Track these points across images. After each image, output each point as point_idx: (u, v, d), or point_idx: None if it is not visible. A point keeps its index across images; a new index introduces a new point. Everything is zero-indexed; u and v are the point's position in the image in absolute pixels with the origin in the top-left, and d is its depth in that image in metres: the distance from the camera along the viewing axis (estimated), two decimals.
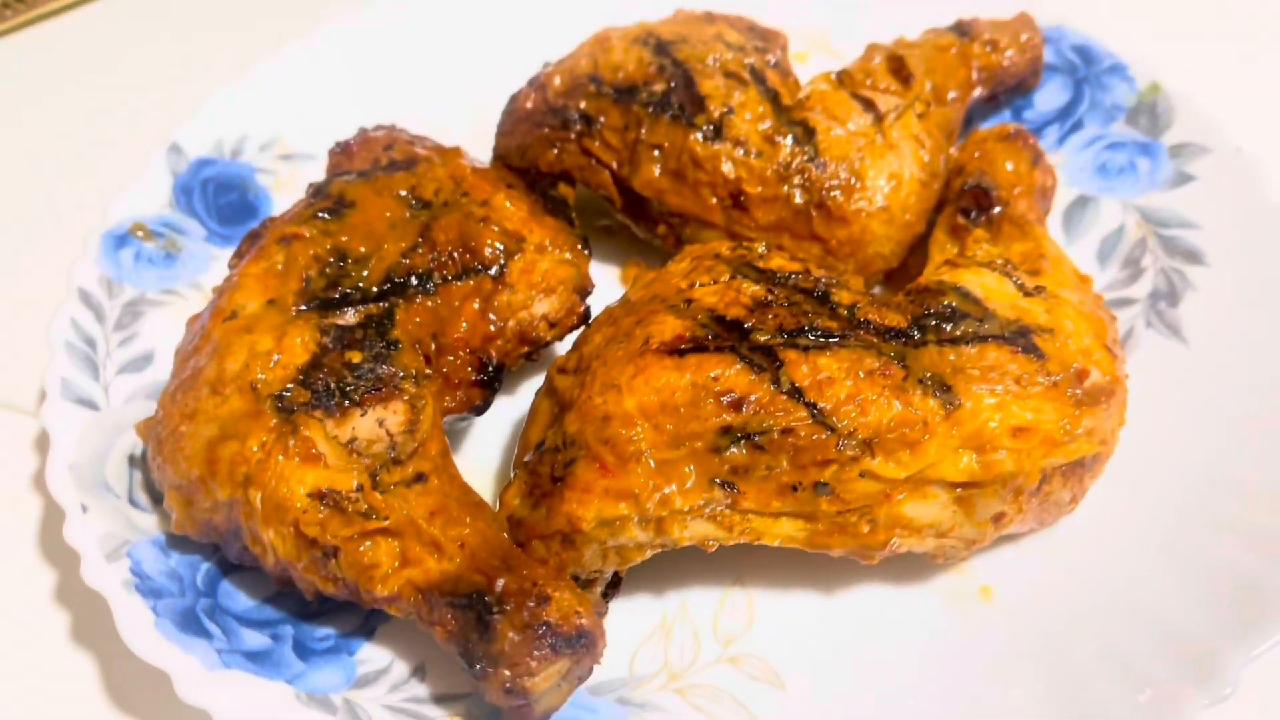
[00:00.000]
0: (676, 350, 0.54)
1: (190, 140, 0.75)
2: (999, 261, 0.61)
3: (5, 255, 0.78)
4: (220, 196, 0.74)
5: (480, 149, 0.76)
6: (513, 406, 0.68)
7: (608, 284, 0.74)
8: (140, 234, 0.70)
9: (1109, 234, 0.73)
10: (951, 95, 0.73)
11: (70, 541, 0.53)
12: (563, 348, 0.66)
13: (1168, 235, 0.71)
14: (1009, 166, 0.70)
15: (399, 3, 0.85)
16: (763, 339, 0.55)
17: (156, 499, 0.57)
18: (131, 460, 0.59)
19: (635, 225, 0.72)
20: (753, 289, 0.58)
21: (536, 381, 0.67)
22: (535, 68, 0.76)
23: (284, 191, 0.77)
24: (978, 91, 0.75)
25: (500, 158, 0.74)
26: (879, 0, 0.86)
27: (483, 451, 0.66)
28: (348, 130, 0.77)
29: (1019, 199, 0.68)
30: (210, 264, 0.71)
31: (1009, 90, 0.77)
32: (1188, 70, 0.80)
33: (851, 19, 0.86)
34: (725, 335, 0.55)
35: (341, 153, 0.71)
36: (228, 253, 0.71)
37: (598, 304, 0.66)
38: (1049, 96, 0.80)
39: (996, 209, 0.67)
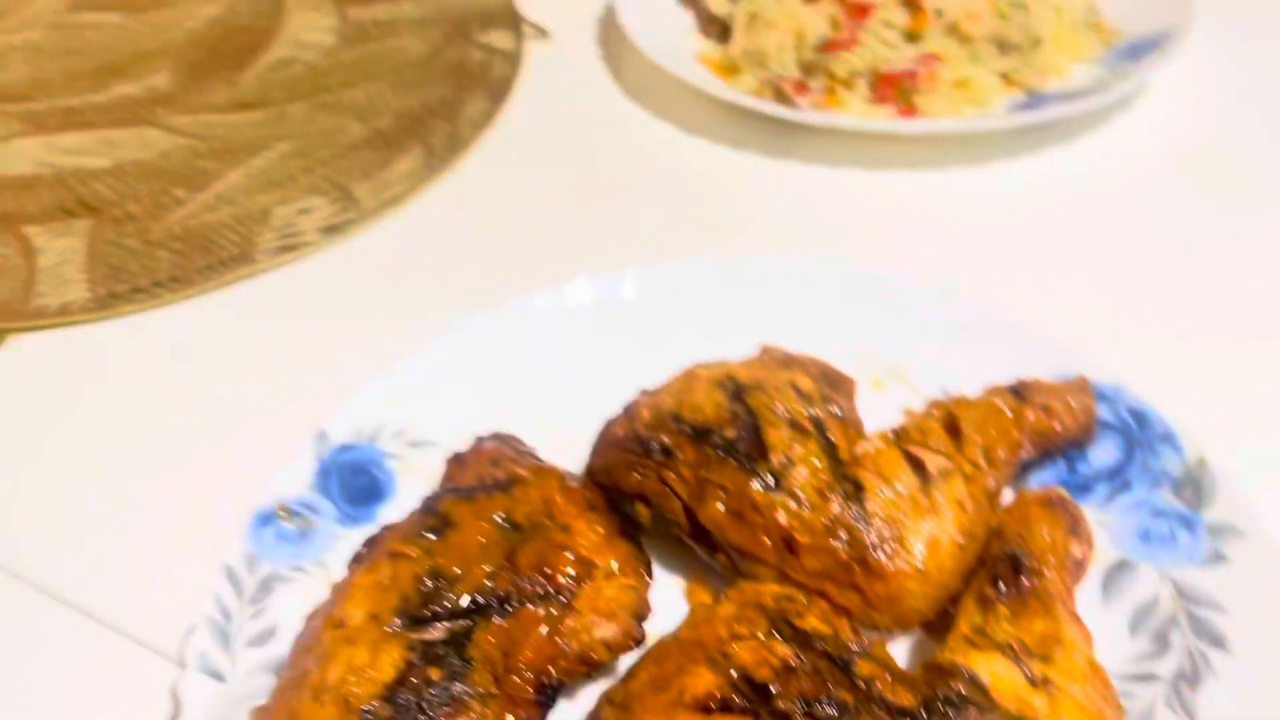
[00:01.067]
0: (705, 708, 0.62)
1: (336, 428, 0.89)
2: (1014, 645, 0.67)
3: (161, 514, 0.92)
4: (353, 479, 0.87)
5: (579, 454, 0.87)
6: (571, 710, 0.76)
7: (672, 593, 0.82)
8: (282, 514, 0.82)
9: (1144, 604, 0.77)
10: (1001, 456, 0.81)
11: None
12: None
13: (1197, 614, 0.75)
14: (1045, 534, 0.76)
15: (527, 311, 0.98)
16: (782, 705, 0.62)
17: None
18: None
19: (699, 549, 0.80)
20: (783, 651, 0.65)
21: (596, 687, 0.75)
22: (634, 388, 0.87)
23: (409, 475, 0.88)
24: (1027, 453, 0.82)
25: (590, 473, 0.84)
26: (952, 343, 0.94)
27: None
28: (468, 420, 0.89)
29: (1051, 570, 0.74)
30: (335, 543, 0.83)
31: (1060, 449, 0.84)
32: (1245, 442, 0.85)
33: (927, 356, 0.95)
34: (751, 697, 0.63)
35: (456, 463, 0.83)
36: (351, 533, 0.83)
37: (661, 609, 0.76)
38: (1103, 453, 0.86)
39: (1024, 581, 0.73)
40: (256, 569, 0.79)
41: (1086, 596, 0.77)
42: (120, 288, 1.12)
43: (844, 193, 1.25)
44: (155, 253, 1.16)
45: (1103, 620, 0.76)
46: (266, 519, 0.82)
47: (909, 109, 1.31)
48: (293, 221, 1.20)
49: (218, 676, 0.72)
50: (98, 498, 0.94)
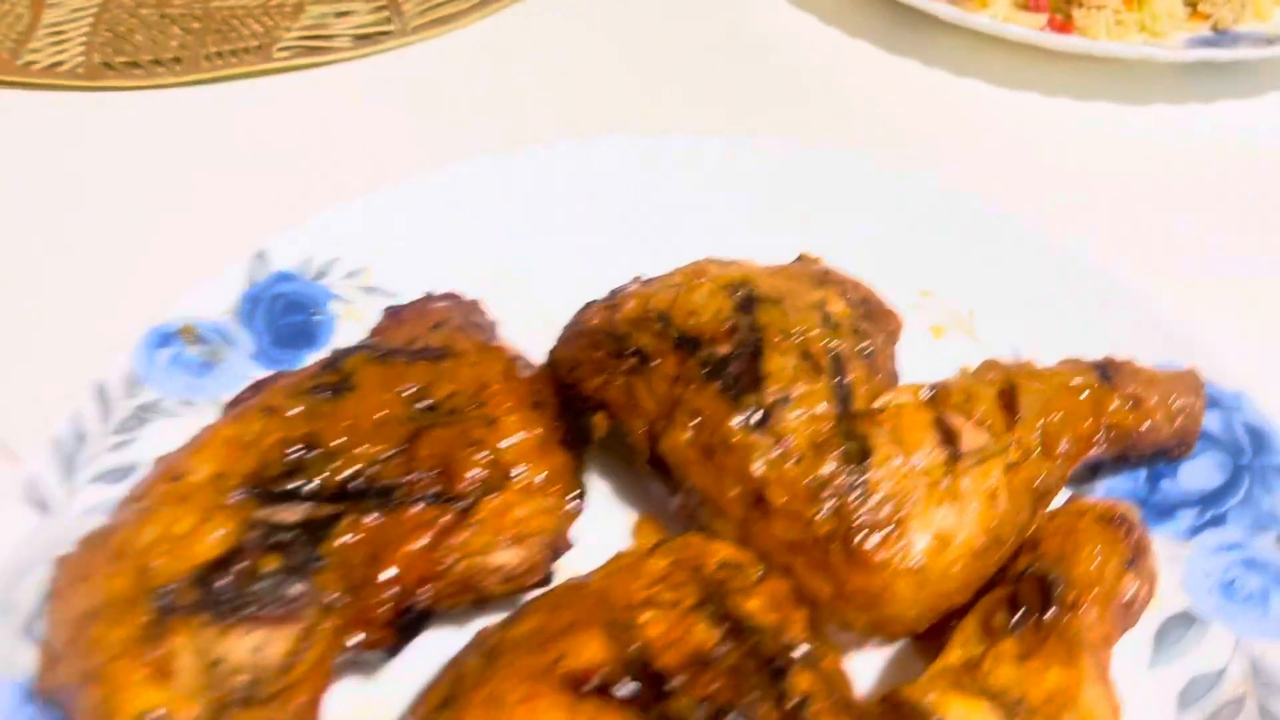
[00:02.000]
0: (577, 685, 0.47)
1: (279, 251, 0.75)
2: (1011, 699, 0.50)
3: (70, 312, 0.80)
4: (285, 315, 0.73)
5: (550, 341, 0.71)
6: (456, 637, 0.62)
7: (618, 525, 0.67)
8: (187, 336, 0.70)
9: (1204, 675, 0.59)
10: (1063, 448, 0.62)
11: None
12: None
13: (1271, 706, 0.57)
14: (1094, 559, 0.58)
15: (536, 162, 0.82)
16: (674, 708, 0.47)
17: None
18: None
19: (656, 483, 0.65)
20: (704, 634, 0.50)
21: (488, 618, 0.60)
22: (632, 272, 0.71)
23: (352, 322, 0.74)
24: (1097, 451, 0.63)
25: (552, 365, 0.69)
26: (1031, 299, 0.75)
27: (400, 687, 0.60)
28: (437, 274, 0.75)
29: (1089, 607, 0.56)
30: (243, 383, 0.69)
31: (1144, 457, 0.65)
32: None
33: (1000, 308, 0.76)
34: (640, 687, 0.47)
35: (393, 317, 0.69)
36: (265, 375, 0.69)
37: (598, 545, 0.61)
38: (1199, 472, 0.67)
39: (1051, 613, 0.55)
40: (136, 393, 0.67)
41: (1129, 649, 0.59)
42: (117, 59, 1.00)
43: (962, 106, 1.04)
44: (168, 28, 1.03)
45: (1144, 684, 0.58)
46: (166, 339, 0.69)
47: (1064, 23, 1.08)
48: (326, 22, 1.05)
49: (43, 508, 0.60)
50: (10, 277, 0.82)
